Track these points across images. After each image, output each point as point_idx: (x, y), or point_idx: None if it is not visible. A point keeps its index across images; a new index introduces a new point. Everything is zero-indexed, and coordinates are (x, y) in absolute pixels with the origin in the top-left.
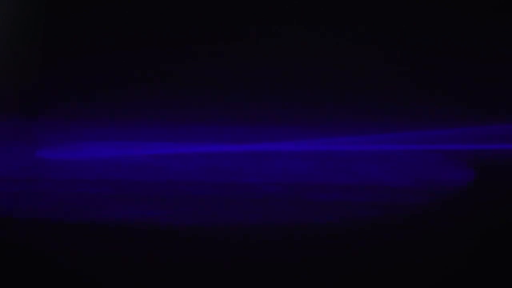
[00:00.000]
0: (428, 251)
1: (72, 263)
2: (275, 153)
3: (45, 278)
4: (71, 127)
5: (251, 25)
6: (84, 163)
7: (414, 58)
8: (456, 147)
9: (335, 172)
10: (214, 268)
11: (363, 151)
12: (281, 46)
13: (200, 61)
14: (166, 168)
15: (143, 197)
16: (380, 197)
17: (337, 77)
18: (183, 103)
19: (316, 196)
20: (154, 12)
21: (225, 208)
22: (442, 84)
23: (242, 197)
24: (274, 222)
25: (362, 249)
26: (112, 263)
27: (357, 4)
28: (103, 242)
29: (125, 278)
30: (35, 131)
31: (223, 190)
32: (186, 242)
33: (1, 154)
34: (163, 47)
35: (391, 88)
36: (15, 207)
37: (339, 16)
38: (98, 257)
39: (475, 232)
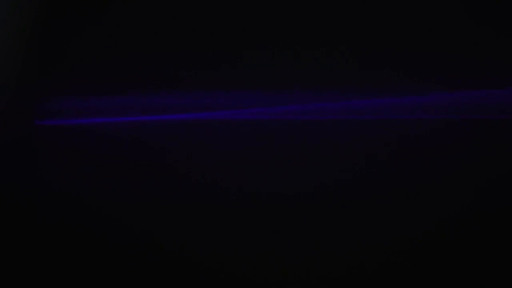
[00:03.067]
0: (419, 221)
1: (80, 235)
2: (251, 120)
3: (43, 253)
4: (74, 96)
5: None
6: (72, 131)
7: (403, 21)
8: (449, 116)
9: (319, 140)
10: (180, 239)
11: (351, 119)
12: (252, 9)
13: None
14: (152, 138)
15: (128, 168)
16: (371, 166)
17: (321, 39)
18: (157, 71)
19: (304, 165)
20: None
21: (198, 176)
22: (435, 48)
23: (226, 163)
24: (258, 186)
25: (352, 216)
26: (114, 234)
27: None
28: (108, 213)
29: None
30: (33, 98)
31: (195, 157)
32: (169, 215)
33: None
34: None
35: (382, 53)
36: (14, 175)
37: None
38: (102, 228)
39: (469, 201)
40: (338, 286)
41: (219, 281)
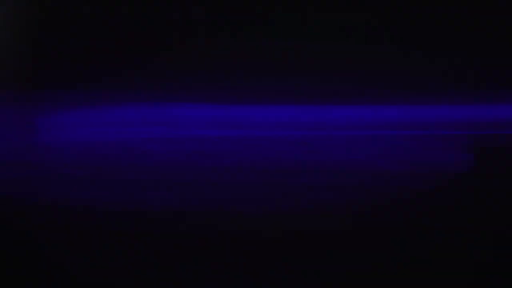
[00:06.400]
0: (424, 237)
1: (81, 250)
2: (261, 137)
3: (45, 268)
4: (62, 111)
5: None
6: (72, 147)
7: (409, 38)
8: (453, 132)
9: (327, 156)
10: (201, 254)
11: (355, 135)
12: (266, 26)
13: (187, 43)
14: (154, 152)
15: (131, 182)
16: (374, 181)
17: (324, 59)
18: (170, 86)
19: (305, 181)
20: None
21: (212, 193)
22: (441, 65)
23: (228, 182)
24: (261, 208)
25: (354, 235)
26: (100, 248)
27: None
28: (92, 227)
29: (111, 264)
30: (35, 113)
31: (210, 174)
32: (173, 228)
33: None
34: (154, 31)
35: (384, 70)
36: (11, 192)
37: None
38: (104, 243)
39: (473, 217)
40: None
41: None
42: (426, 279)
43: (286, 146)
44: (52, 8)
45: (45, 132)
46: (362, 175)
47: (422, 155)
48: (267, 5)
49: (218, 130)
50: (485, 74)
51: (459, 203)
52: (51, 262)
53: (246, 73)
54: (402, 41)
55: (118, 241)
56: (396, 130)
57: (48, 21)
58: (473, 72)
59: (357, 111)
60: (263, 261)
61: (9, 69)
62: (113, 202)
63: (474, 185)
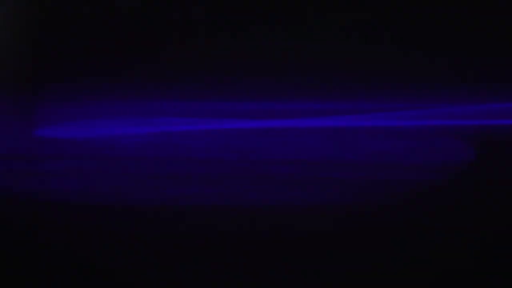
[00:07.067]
0: (433, 229)
1: (80, 245)
2: (288, 129)
3: (45, 263)
4: (77, 104)
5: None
6: (90, 141)
7: (422, 36)
8: (462, 123)
9: (347, 149)
10: (230, 248)
11: (373, 127)
12: (291, 19)
13: (208, 34)
14: (179, 146)
15: (156, 176)
16: (389, 175)
17: (348, 53)
18: (194, 79)
19: (327, 174)
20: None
21: (238, 187)
22: (449, 61)
23: (254, 175)
24: (288, 201)
25: (371, 228)
26: (117, 244)
27: None
28: (112, 223)
29: (139, 259)
30: (34, 108)
31: (236, 167)
32: (202, 222)
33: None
34: (170, 18)
35: (401, 65)
36: (16, 186)
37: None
38: (103, 238)
39: (479, 210)
40: None
41: None
42: (437, 272)
43: (307, 139)
44: (52, 8)
45: (50, 126)
46: (369, 168)
47: (434, 147)
48: (267, 5)
49: (245, 123)
50: (485, 70)
51: (466, 195)
52: (50, 259)
53: (268, 68)
54: (407, 39)
55: (125, 238)
56: (411, 121)
57: (48, 21)
58: (473, 68)
59: (373, 105)
60: (284, 255)
61: (10, 68)
62: (131, 197)
63: (481, 176)
